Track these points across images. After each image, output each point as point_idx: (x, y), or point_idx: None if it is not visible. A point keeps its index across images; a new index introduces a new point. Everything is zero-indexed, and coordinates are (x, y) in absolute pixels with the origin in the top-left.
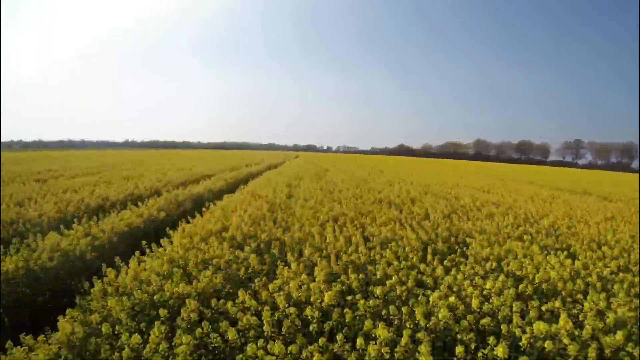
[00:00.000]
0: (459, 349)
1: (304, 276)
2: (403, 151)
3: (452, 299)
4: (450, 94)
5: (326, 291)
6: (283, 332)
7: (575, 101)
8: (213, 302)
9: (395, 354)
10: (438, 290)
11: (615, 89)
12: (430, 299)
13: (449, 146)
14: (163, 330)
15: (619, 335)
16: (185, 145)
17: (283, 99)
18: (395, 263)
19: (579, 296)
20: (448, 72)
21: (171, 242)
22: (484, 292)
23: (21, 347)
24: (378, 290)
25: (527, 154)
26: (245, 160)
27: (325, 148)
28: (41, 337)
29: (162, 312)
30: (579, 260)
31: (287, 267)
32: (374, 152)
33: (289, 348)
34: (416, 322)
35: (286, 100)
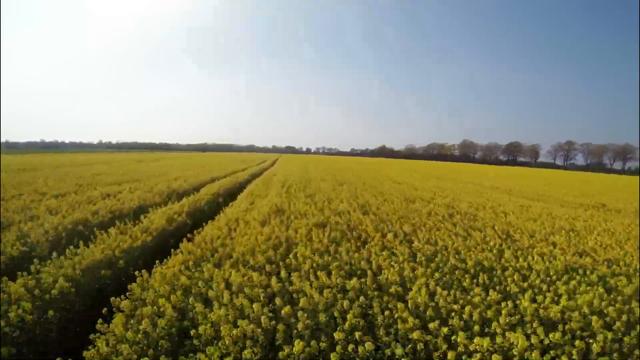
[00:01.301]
0: None
1: None
2: (385, 152)
3: None
4: (436, 94)
5: None
6: None
7: (572, 102)
8: None
9: None
10: None
11: (612, 89)
12: None
13: (433, 147)
14: None
15: None
16: (164, 147)
17: (263, 101)
18: None
19: None
20: (434, 72)
21: None
22: None
23: None
24: None
25: (515, 156)
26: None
27: (304, 149)
28: None
29: None
30: None
31: None
32: (353, 153)
33: None
34: None
35: (266, 102)
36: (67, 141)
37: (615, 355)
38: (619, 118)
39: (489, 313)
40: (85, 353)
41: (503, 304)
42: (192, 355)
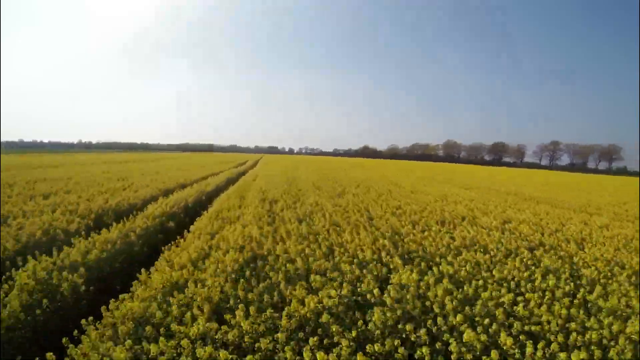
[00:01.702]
0: None
1: None
2: (369, 153)
3: None
4: (421, 94)
5: None
6: None
7: (556, 103)
8: None
9: None
10: None
11: (597, 90)
12: None
13: (416, 147)
14: None
15: None
16: (144, 147)
17: (247, 101)
18: None
19: None
20: (419, 71)
21: None
22: None
23: None
24: None
25: (500, 156)
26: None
27: (287, 150)
28: None
29: None
30: None
31: None
32: (336, 153)
33: None
34: None
35: (250, 102)
36: (46, 141)
37: None
38: (604, 119)
39: None
40: None
41: None
42: None
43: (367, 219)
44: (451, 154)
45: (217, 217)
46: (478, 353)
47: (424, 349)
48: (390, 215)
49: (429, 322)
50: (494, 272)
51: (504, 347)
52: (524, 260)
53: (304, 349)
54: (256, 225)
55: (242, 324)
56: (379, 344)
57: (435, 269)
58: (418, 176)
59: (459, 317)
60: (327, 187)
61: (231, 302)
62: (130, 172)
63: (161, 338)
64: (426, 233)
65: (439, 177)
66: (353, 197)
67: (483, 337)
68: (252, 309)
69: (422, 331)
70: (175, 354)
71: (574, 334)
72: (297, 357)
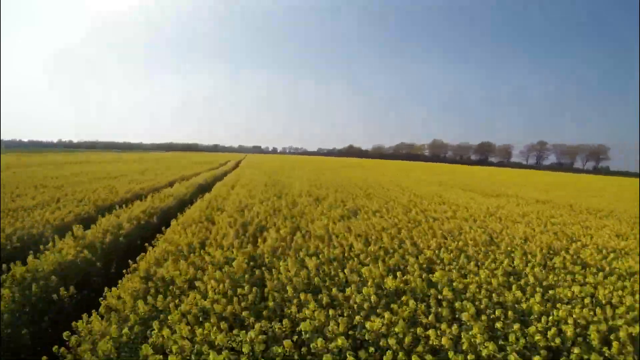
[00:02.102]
0: None
1: None
2: (354, 152)
3: None
4: (406, 93)
5: None
6: None
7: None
8: None
9: None
10: None
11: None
12: None
13: (402, 147)
14: None
15: None
16: (126, 147)
17: (230, 101)
18: None
19: None
20: (404, 70)
21: None
22: None
23: None
24: None
25: (487, 155)
26: None
27: (270, 149)
28: None
29: None
30: None
31: None
32: (320, 153)
33: None
34: None
35: (232, 102)
36: (26, 140)
37: None
38: (595, 119)
39: None
40: None
41: None
42: None
43: (427, 265)
44: (437, 154)
45: (152, 280)
46: None
47: None
48: (455, 252)
49: None
50: None
51: None
52: None
53: None
54: (228, 316)
55: None
56: None
57: None
58: (422, 178)
59: None
60: (330, 198)
61: None
62: (77, 176)
63: None
64: (561, 308)
65: (441, 178)
66: (374, 216)
67: None
68: None
69: None
70: None
71: None
72: None
